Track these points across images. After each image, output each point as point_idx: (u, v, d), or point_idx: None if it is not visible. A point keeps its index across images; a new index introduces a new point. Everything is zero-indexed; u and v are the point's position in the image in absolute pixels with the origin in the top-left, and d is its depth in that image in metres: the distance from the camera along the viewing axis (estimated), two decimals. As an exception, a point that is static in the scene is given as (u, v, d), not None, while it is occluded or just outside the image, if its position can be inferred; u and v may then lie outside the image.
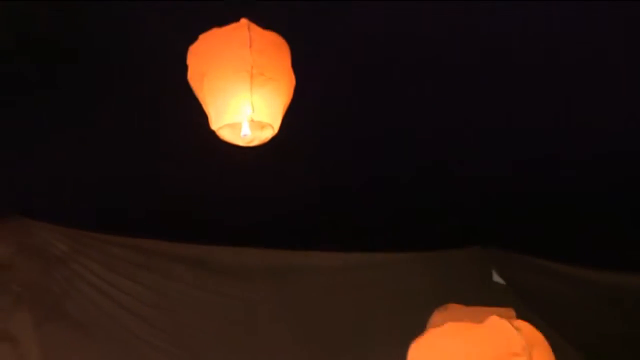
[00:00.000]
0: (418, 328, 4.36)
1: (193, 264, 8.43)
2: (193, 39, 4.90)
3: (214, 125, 4.92)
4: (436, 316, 5.11)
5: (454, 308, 5.23)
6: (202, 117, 4.99)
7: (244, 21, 4.91)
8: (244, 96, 4.73)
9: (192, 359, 7.58)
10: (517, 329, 3.64)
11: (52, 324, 7.51)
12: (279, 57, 4.93)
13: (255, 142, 5.02)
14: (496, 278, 8.28)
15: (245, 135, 4.92)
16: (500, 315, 5.00)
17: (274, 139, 4.93)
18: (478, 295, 7.42)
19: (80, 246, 8.14)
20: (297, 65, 4.95)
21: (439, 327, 4.75)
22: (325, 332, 8.12)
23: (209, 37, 4.97)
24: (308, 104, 5.33)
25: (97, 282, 8.04)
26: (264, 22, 4.96)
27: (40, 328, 7.42)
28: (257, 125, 4.90)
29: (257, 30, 4.93)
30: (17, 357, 7.20)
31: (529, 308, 7.64)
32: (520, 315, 4.18)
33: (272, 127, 4.94)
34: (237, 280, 8.41)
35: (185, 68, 4.85)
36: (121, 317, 7.84)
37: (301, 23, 5.64)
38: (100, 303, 7.90)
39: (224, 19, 4.90)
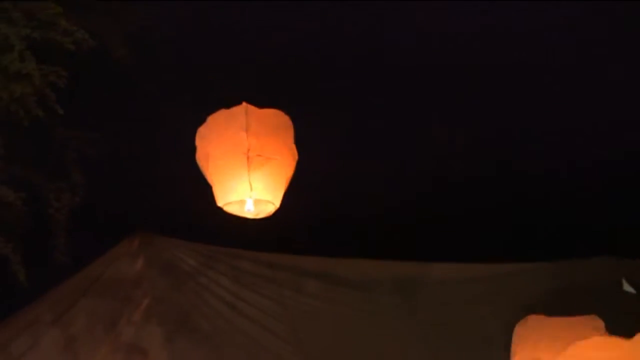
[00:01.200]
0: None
1: (320, 277, 8.51)
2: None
3: (220, 202, 5.48)
4: (520, 329, 4.98)
5: (537, 319, 5.08)
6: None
7: (243, 105, 5.42)
8: (243, 177, 5.27)
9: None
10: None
11: (182, 337, 7.80)
12: (278, 135, 5.44)
13: (261, 215, 5.58)
14: (627, 287, 7.90)
15: (249, 210, 5.49)
16: (589, 324, 4.83)
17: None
18: (607, 305, 7.15)
19: (208, 261, 8.40)
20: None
21: (586, 340, 4.66)
22: (451, 343, 7.99)
23: (215, 120, 5.50)
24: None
25: (225, 295, 8.28)
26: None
27: (170, 341, 7.73)
28: (260, 201, 5.41)
29: (255, 112, 5.41)
30: (147, 369, 7.51)
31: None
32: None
33: (273, 203, 5.47)
34: (363, 293, 8.43)
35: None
36: (248, 329, 8.04)
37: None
38: (228, 316, 8.12)
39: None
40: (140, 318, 7.87)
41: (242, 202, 5.46)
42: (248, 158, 5.26)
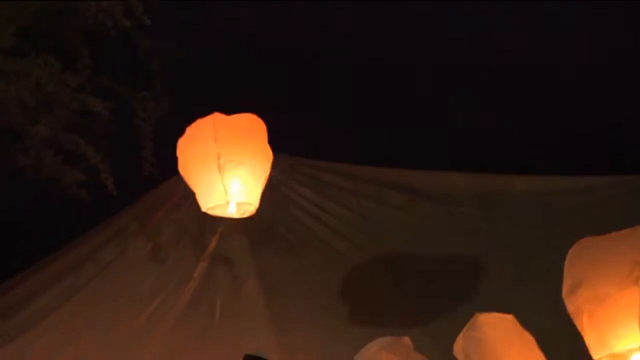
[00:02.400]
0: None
1: (401, 189, 8.52)
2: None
3: (202, 207, 5.99)
4: (572, 252, 4.94)
5: (590, 241, 5.03)
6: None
7: (212, 116, 5.91)
8: (217, 183, 5.75)
9: (395, 280, 7.68)
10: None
11: (265, 246, 7.91)
12: (249, 139, 5.90)
13: (245, 215, 6.13)
14: None
15: (231, 212, 6.01)
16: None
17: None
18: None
19: (290, 172, 8.46)
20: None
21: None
22: (535, 258, 7.94)
23: (191, 131, 6.00)
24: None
25: (307, 206, 8.35)
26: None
27: (255, 251, 7.84)
28: (240, 202, 5.90)
29: (223, 121, 5.87)
30: (232, 279, 7.66)
31: None
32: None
33: (251, 204, 5.97)
34: (444, 205, 8.42)
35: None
36: (330, 239, 8.11)
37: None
38: (310, 226, 8.21)
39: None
40: (224, 228, 8.00)
41: (224, 206, 5.90)
42: (219, 165, 5.71)
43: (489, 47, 7.79)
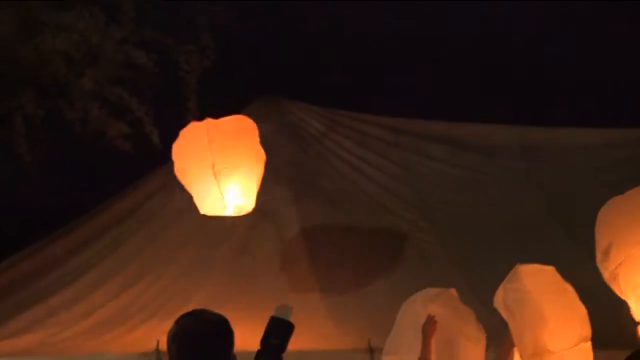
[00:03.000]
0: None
1: (444, 141, 8.48)
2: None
3: (201, 211, 6.12)
4: (602, 212, 4.83)
5: (619, 201, 4.90)
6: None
7: (205, 122, 5.95)
8: (214, 190, 5.87)
9: (435, 231, 7.67)
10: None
11: (308, 198, 7.93)
12: (241, 142, 6.00)
13: (242, 213, 6.17)
14: None
15: (230, 214, 6.09)
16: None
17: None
18: None
19: (334, 124, 8.47)
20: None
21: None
22: (577, 209, 7.85)
23: (184, 135, 6.02)
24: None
25: (351, 158, 8.36)
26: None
27: (298, 202, 7.86)
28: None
29: (216, 126, 5.92)
30: (276, 229, 7.70)
31: None
32: None
33: (248, 205, 6.06)
34: (488, 157, 8.37)
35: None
36: (373, 192, 8.12)
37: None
38: (353, 178, 8.22)
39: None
40: (269, 180, 8.02)
41: (222, 209, 6.04)
42: (214, 173, 5.84)
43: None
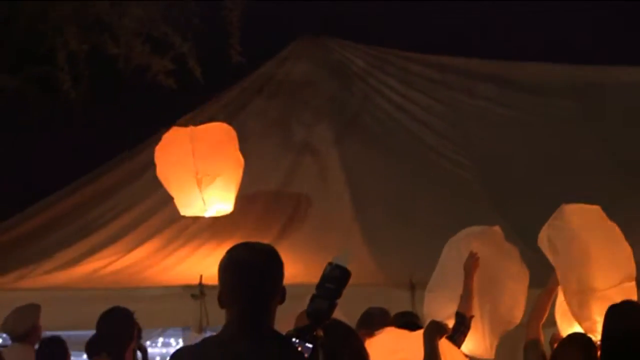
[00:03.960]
0: None
1: (491, 80, 8.36)
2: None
3: (182, 213, 6.48)
4: None
5: None
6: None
7: (188, 129, 6.33)
8: (196, 196, 6.31)
9: (480, 170, 7.57)
10: None
11: (351, 137, 7.87)
12: (223, 150, 6.40)
13: (220, 214, 6.52)
14: None
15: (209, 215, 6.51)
16: None
17: None
18: None
19: (377, 62, 8.38)
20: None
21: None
22: (628, 149, 7.69)
23: (167, 140, 6.40)
24: None
25: (394, 97, 8.27)
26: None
27: (341, 141, 7.80)
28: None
29: (199, 135, 6.29)
30: (319, 168, 7.66)
31: None
32: None
33: (227, 208, 6.46)
34: (538, 96, 8.23)
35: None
36: (416, 129, 8.03)
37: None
38: (397, 118, 8.13)
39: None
40: (311, 118, 8.00)
41: (202, 211, 6.50)
42: (197, 180, 6.26)
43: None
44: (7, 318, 5.42)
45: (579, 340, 4.64)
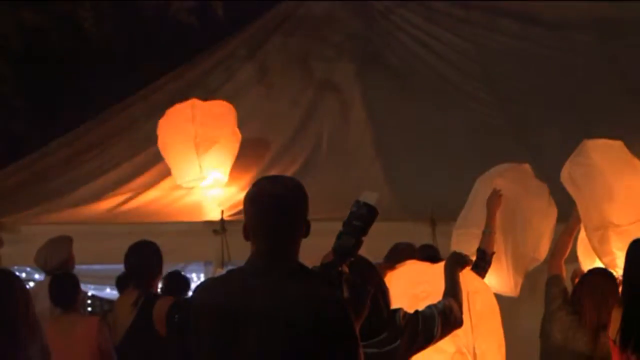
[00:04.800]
0: None
1: (515, 16, 8.27)
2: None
3: (178, 181, 6.71)
4: None
5: None
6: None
7: (190, 101, 6.66)
8: (193, 160, 6.53)
9: (503, 107, 7.51)
10: None
11: (373, 73, 7.81)
12: (221, 123, 6.68)
13: (217, 185, 6.69)
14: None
15: (204, 184, 6.68)
16: None
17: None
18: None
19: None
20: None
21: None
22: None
23: (171, 113, 6.69)
24: None
25: (417, 33, 8.19)
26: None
27: (362, 77, 7.75)
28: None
29: (200, 106, 6.66)
30: (340, 104, 7.62)
31: None
32: None
33: (222, 177, 6.68)
34: (559, 32, 8.14)
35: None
36: (439, 67, 7.96)
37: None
38: (419, 54, 8.07)
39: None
40: (332, 54, 7.94)
41: (199, 179, 6.65)
42: (195, 144, 6.50)
43: None
44: (39, 250, 5.44)
45: (601, 275, 4.67)
